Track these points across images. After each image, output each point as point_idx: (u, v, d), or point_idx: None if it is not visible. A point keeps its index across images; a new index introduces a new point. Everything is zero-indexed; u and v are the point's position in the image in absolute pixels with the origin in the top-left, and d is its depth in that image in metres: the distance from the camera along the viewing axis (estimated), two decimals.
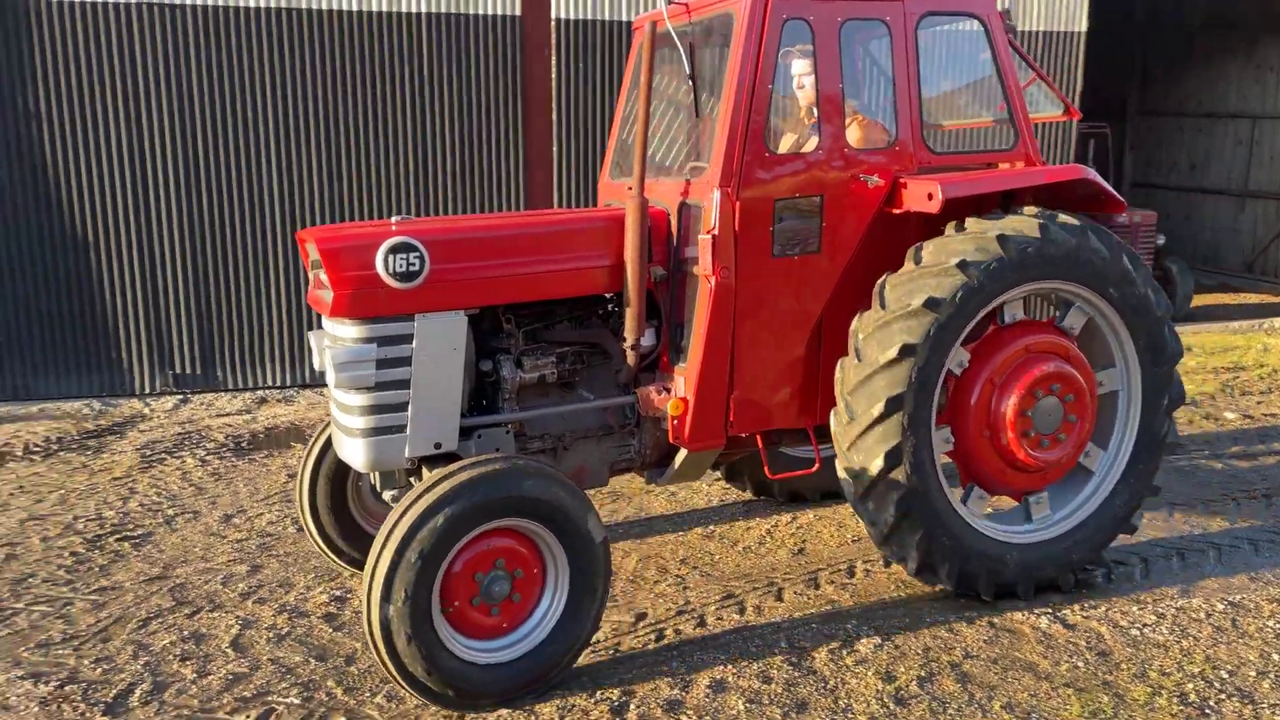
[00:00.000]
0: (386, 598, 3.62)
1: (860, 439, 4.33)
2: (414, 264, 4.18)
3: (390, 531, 3.67)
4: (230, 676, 4.16)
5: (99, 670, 4.21)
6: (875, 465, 4.30)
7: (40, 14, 7.88)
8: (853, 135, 4.74)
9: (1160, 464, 4.95)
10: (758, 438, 4.81)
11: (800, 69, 4.88)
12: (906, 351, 4.23)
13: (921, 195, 4.43)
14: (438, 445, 4.29)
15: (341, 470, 4.82)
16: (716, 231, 4.35)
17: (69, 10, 7.95)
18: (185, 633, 4.54)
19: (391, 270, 4.13)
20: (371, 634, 3.66)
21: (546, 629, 3.98)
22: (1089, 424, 4.76)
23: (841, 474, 4.47)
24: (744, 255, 4.43)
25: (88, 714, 3.87)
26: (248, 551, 5.41)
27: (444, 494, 3.71)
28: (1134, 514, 4.94)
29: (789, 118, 5.07)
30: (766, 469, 5.01)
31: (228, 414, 8.09)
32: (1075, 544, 4.81)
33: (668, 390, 4.59)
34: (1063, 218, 4.54)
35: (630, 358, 4.59)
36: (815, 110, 4.57)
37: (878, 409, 4.24)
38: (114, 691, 4.05)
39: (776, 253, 4.50)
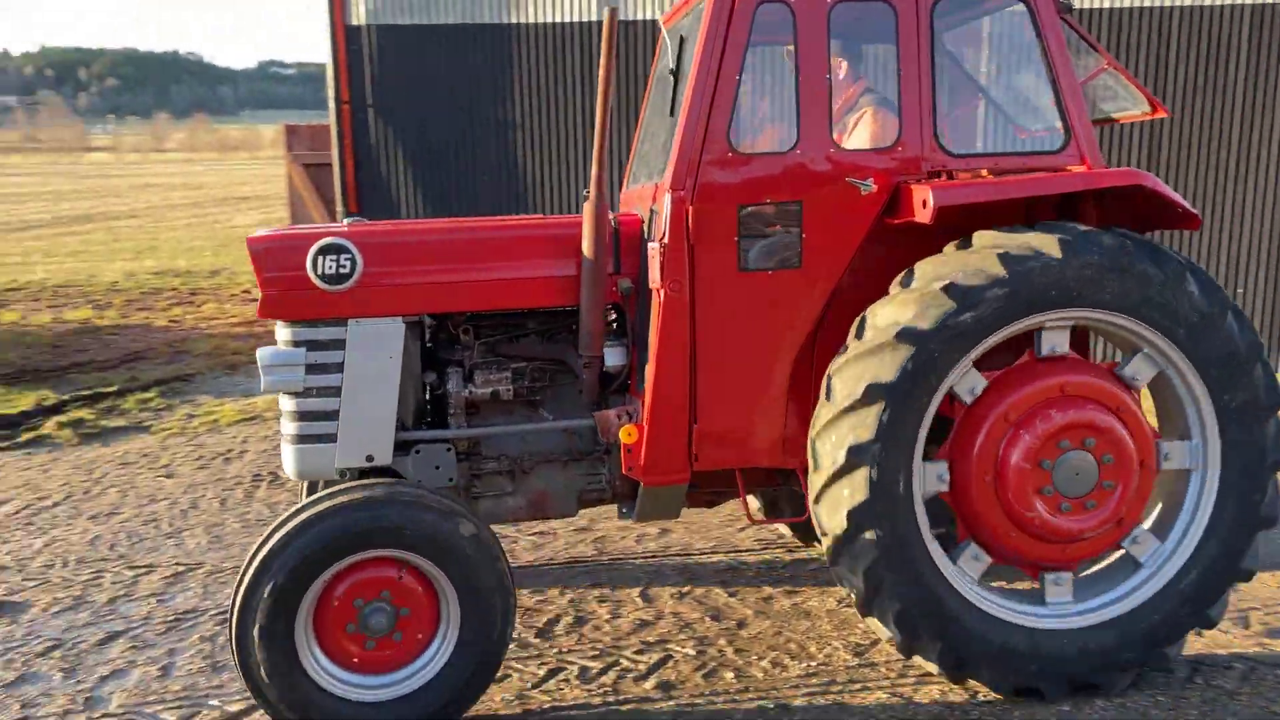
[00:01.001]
0: (244, 620, 3.44)
1: (825, 491, 3.68)
2: (345, 266, 3.93)
3: (251, 557, 3.49)
4: (638, 622, 4.70)
5: (534, 600, 4.95)
6: (841, 522, 3.63)
7: (521, 35, 9.12)
8: (861, 135, 4.15)
9: (1254, 542, 3.86)
10: (737, 476, 4.14)
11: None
12: (873, 393, 3.54)
13: (919, 203, 3.70)
14: (369, 458, 3.97)
15: None
16: (666, 240, 3.82)
17: (542, 31, 9.12)
18: (601, 579, 5.19)
19: (320, 272, 3.91)
20: (231, 651, 3.51)
21: (428, 675, 3.63)
22: (1133, 497, 3.83)
23: (816, 529, 3.79)
24: (703, 268, 3.86)
25: (523, 633, 4.57)
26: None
27: (301, 523, 3.49)
28: (1214, 604, 3.87)
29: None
30: (747, 513, 4.22)
31: None
32: (1119, 638, 3.82)
33: (629, 415, 4.04)
34: (1108, 233, 3.66)
35: (587, 376, 4.13)
36: (846, 107, 3.95)
37: (840, 457, 3.59)
38: (544, 619, 4.74)
39: (745, 266, 3.88)
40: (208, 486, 6.71)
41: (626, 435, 3.96)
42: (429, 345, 4.27)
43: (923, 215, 3.68)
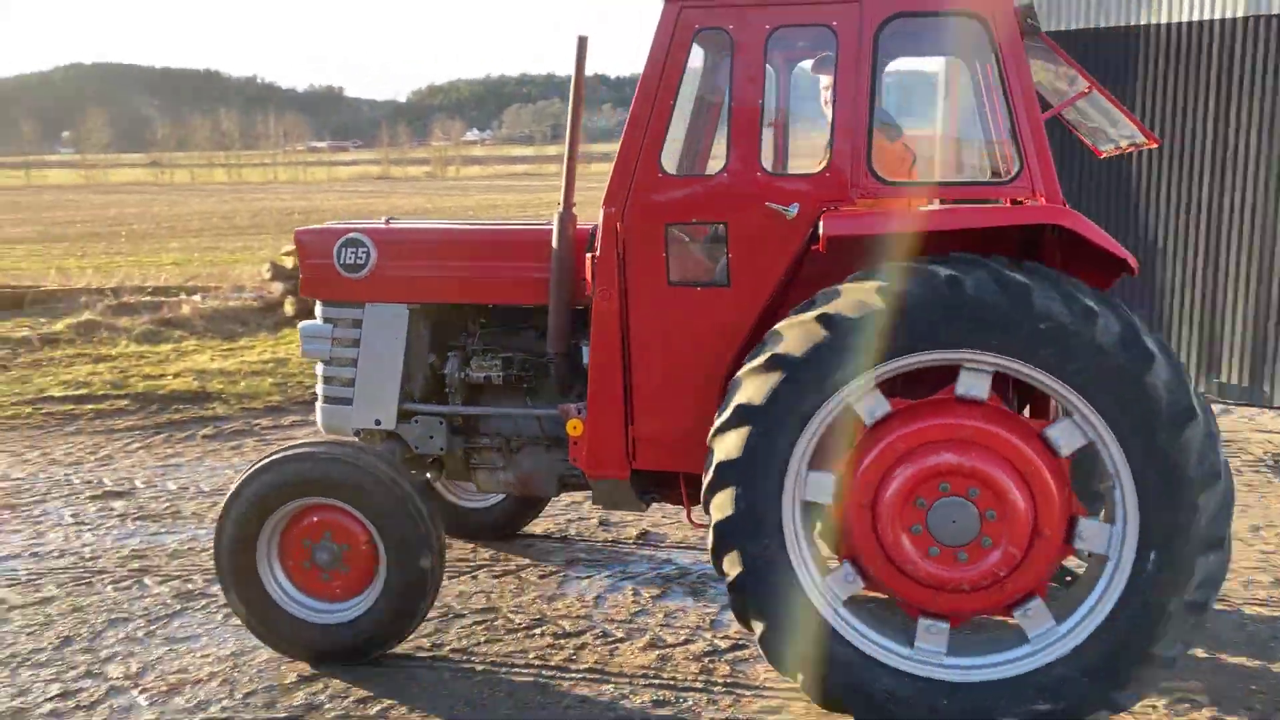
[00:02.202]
0: (217, 549, 4.20)
1: (707, 502, 3.69)
2: (361, 258, 4.61)
3: (225, 500, 4.23)
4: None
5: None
6: (713, 536, 3.66)
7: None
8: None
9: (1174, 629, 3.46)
10: (680, 479, 4.20)
11: (824, 83, 4.19)
12: (741, 413, 3.57)
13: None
14: (377, 421, 4.60)
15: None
16: (598, 252, 4.05)
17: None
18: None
19: (343, 261, 4.62)
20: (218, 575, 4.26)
21: (365, 606, 4.20)
22: (1023, 564, 3.54)
23: None
24: (634, 280, 4.04)
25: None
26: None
27: (251, 472, 4.21)
28: (1129, 681, 3.53)
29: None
30: (688, 515, 4.29)
31: (1270, 430, 7.88)
32: (984, 702, 3.57)
33: (579, 411, 4.23)
34: (1011, 271, 3.42)
35: (554, 370, 4.43)
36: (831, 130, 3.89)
37: (711, 472, 3.63)
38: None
39: (674, 281, 4.01)
40: None
41: (572, 429, 4.20)
42: (438, 331, 4.72)
43: (821, 243, 3.67)
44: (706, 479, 3.67)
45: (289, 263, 13.55)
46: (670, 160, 4.12)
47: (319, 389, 4.74)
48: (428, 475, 4.85)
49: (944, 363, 3.52)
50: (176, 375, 9.79)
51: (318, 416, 4.77)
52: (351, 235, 4.64)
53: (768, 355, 3.55)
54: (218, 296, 14.58)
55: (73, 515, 6.16)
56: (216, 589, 5.04)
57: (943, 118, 4.64)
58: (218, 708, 4.01)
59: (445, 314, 4.71)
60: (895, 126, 4.77)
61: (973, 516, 3.54)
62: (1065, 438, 3.52)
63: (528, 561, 5.43)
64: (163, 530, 5.94)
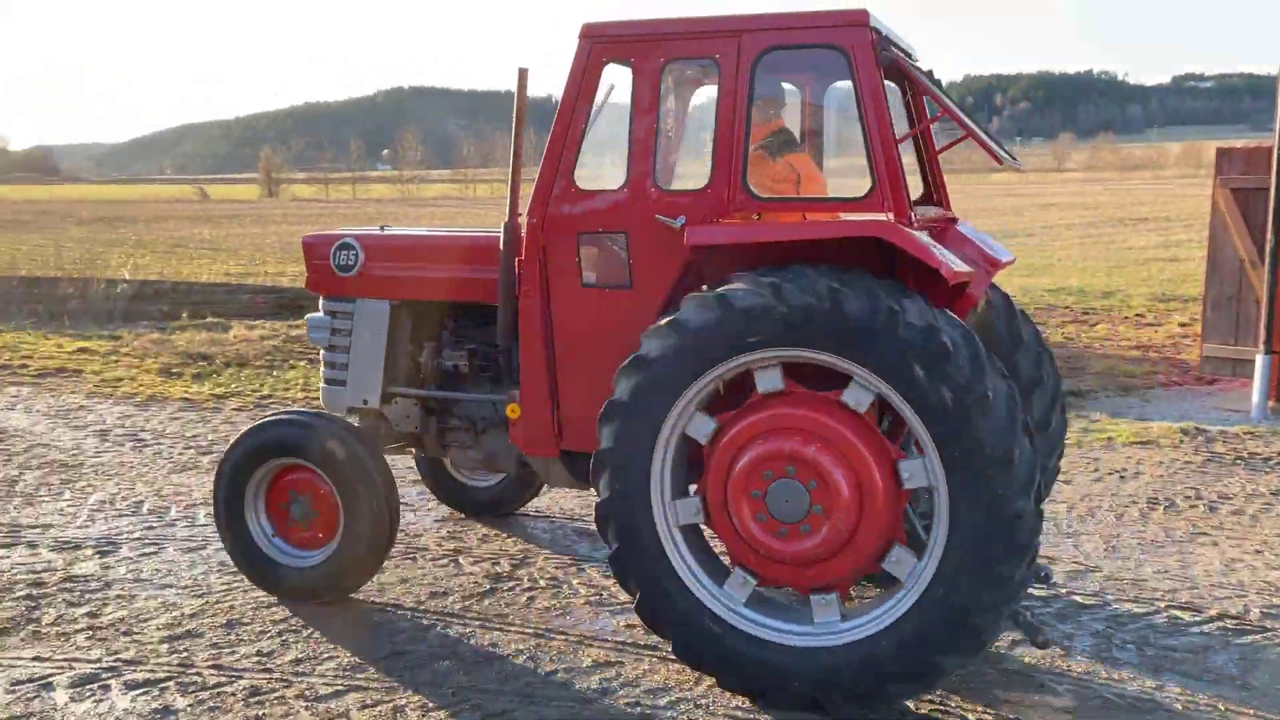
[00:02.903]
0: (215, 498, 5.12)
1: (593, 480, 4.18)
2: (351, 260, 5.41)
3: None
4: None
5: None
6: (596, 512, 4.19)
7: None
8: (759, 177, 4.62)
9: (1016, 559, 3.79)
10: None
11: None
12: (613, 407, 4.07)
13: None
14: (365, 401, 5.36)
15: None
16: (522, 256, 4.61)
17: None
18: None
19: (337, 262, 5.42)
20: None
21: (327, 554, 4.99)
22: (850, 519, 3.92)
23: None
24: (553, 282, 4.60)
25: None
26: None
27: (233, 442, 5.17)
28: (965, 639, 3.84)
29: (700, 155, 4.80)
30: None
31: None
32: (892, 651, 3.89)
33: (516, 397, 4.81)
34: (828, 276, 3.81)
35: (503, 361, 4.99)
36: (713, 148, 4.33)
37: (594, 458, 4.15)
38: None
39: (586, 283, 4.55)
40: (1102, 499, 6.81)
41: (511, 412, 4.81)
42: (415, 324, 5.43)
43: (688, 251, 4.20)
44: (592, 464, 4.17)
45: None
46: (594, 176, 4.65)
47: (322, 371, 5.57)
48: (445, 458, 5.82)
49: (768, 363, 3.96)
50: None
51: (322, 397, 5.57)
52: (345, 240, 5.47)
53: (633, 357, 4.05)
54: None
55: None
56: (524, 572, 5.48)
57: (823, 139, 5.26)
58: (521, 683, 4.34)
59: (422, 309, 5.42)
60: (796, 144, 5.17)
61: (800, 491, 3.95)
62: (858, 398, 3.91)
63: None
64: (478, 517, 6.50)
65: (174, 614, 4.98)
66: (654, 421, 4.07)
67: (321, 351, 5.59)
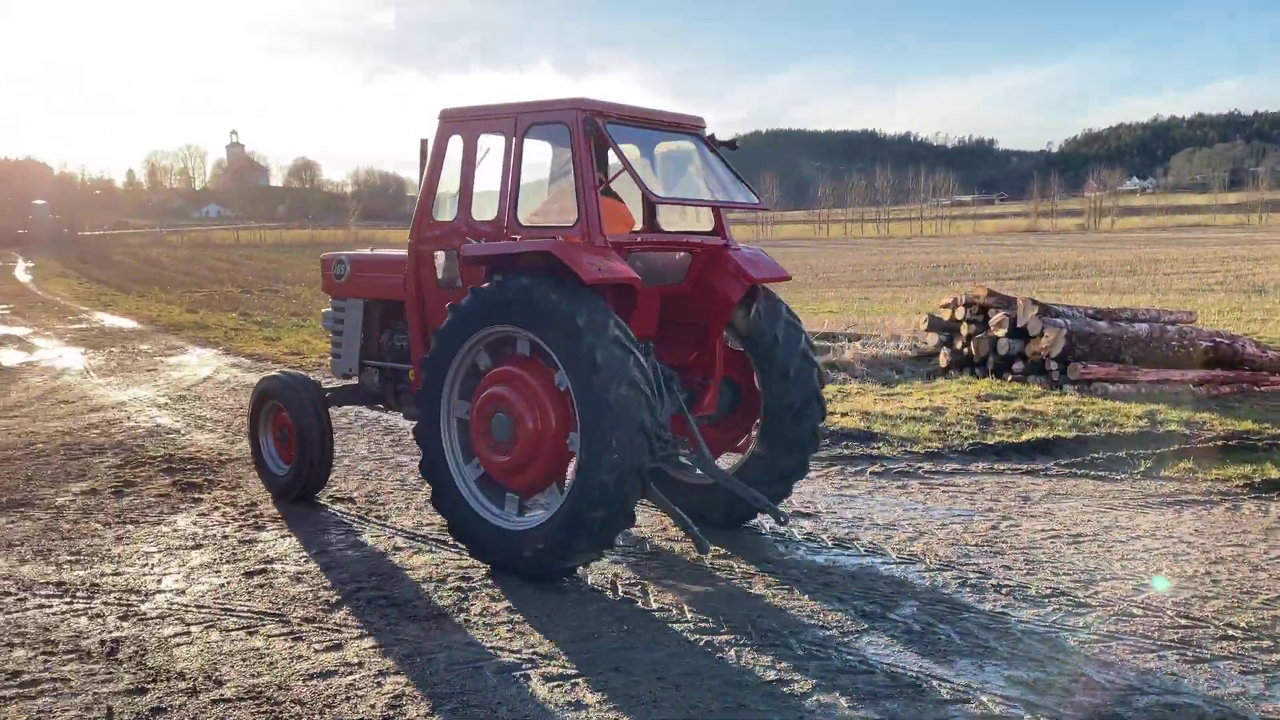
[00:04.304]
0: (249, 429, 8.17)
1: (416, 406, 6.49)
2: (342, 271, 7.98)
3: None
4: None
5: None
6: (415, 437, 6.44)
7: None
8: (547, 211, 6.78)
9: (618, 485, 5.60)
10: None
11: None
12: (424, 361, 6.37)
13: None
14: (350, 370, 7.91)
15: None
16: (407, 267, 7.02)
17: None
18: None
19: (334, 273, 8.05)
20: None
21: (291, 471, 7.82)
22: (534, 441, 5.91)
23: None
24: (423, 284, 6.94)
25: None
26: None
27: (253, 392, 8.16)
28: (589, 533, 5.70)
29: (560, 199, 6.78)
30: None
31: None
32: (549, 538, 5.82)
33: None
34: (528, 278, 5.83)
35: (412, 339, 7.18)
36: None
37: (417, 392, 6.52)
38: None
39: (440, 285, 6.81)
40: None
41: (412, 377, 7.05)
42: (381, 316, 7.76)
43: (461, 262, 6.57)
44: (415, 396, 6.53)
45: (946, 315, 14.01)
46: (442, 212, 6.95)
47: (330, 349, 8.29)
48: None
49: (504, 334, 6.06)
50: (844, 415, 10.68)
51: (330, 364, 8.55)
52: (340, 257, 8.08)
53: (436, 330, 6.26)
54: (876, 344, 15.57)
55: (770, 529, 7.09)
56: (896, 614, 5.47)
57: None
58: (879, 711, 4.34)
59: (382, 306, 7.70)
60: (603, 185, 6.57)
61: (506, 423, 5.98)
62: (562, 380, 5.80)
63: None
64: (845, 553, 6.57)
65: (580, 616, 5.50)
66: (442, 369, 6.22)
67: (330, 335, 8.20)
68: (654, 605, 5.64)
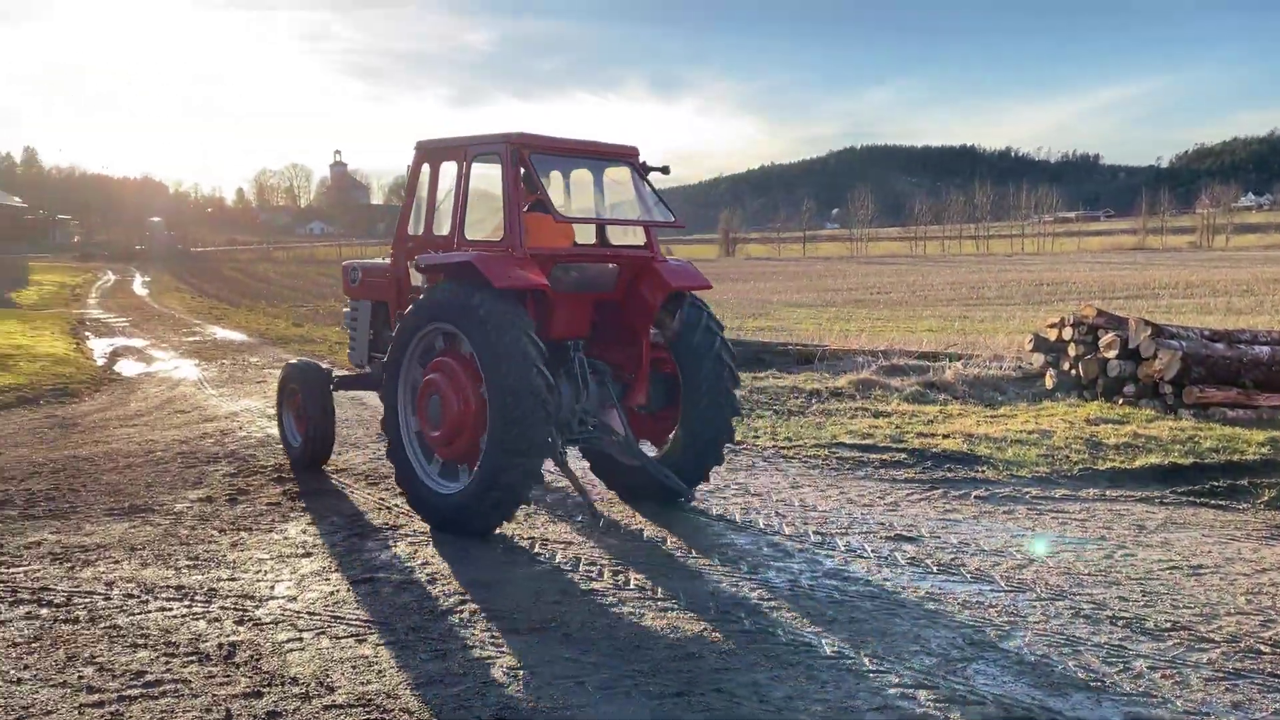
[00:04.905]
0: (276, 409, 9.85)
1: (382, 397, 7.83)
2: (355, 277, 9.48)
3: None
4: None
5: None
6: (383, 421, 7.85)
7: None
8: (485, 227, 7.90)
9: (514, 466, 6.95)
10: None
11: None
12: (387, 358, 7.79)
13: None
14: (361, 361, 9.37)
15: None
16: (390, 275, 8.86)
17: None
18: None
19: (349, 278, 9.56)
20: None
21: (305, 437, 9.40)
22: (457, 420, 7.22)
23: None
24: (402, 289, 8.58)
25: None
26: None
27: (283, 368, 10.02)
28: (498, 499, 7.04)
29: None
30: None
31: None
32: (466, 501, 7.21)
33: None
34: (456, 285, 7.26)
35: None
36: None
37: (382, 384, 7.92)
38: None
39: (414, 289, 8.31)
40: None
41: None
42: (384, 316, 9.03)
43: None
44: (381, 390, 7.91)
45: (1053, 335, 13.62)
46: (415, 227, 8.53)
47: (348, 343, 9.79)
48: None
49: (445, 330, 7.39)
50: (946, 436, 10.45)
51: (348, 357, 10.00)
52: (354, 265, 9.58)
53: (395, 329, 7.78)
54: (978, 364, 15.21)
55: (873, 551, 6.97)
56: (1007, 644, 5.30)
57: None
58: None
59: (385, 306, 8.95)
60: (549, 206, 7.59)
61: (438, 404, 7.30)
62: (462, 347, 7.30)
63: None
64: (951, 579, 6.41)
65: (678, 635, 5.48)
66: (397, 361, 7.61)
67: (348, 331, 9.69)
68: (748, 626, 5.59)
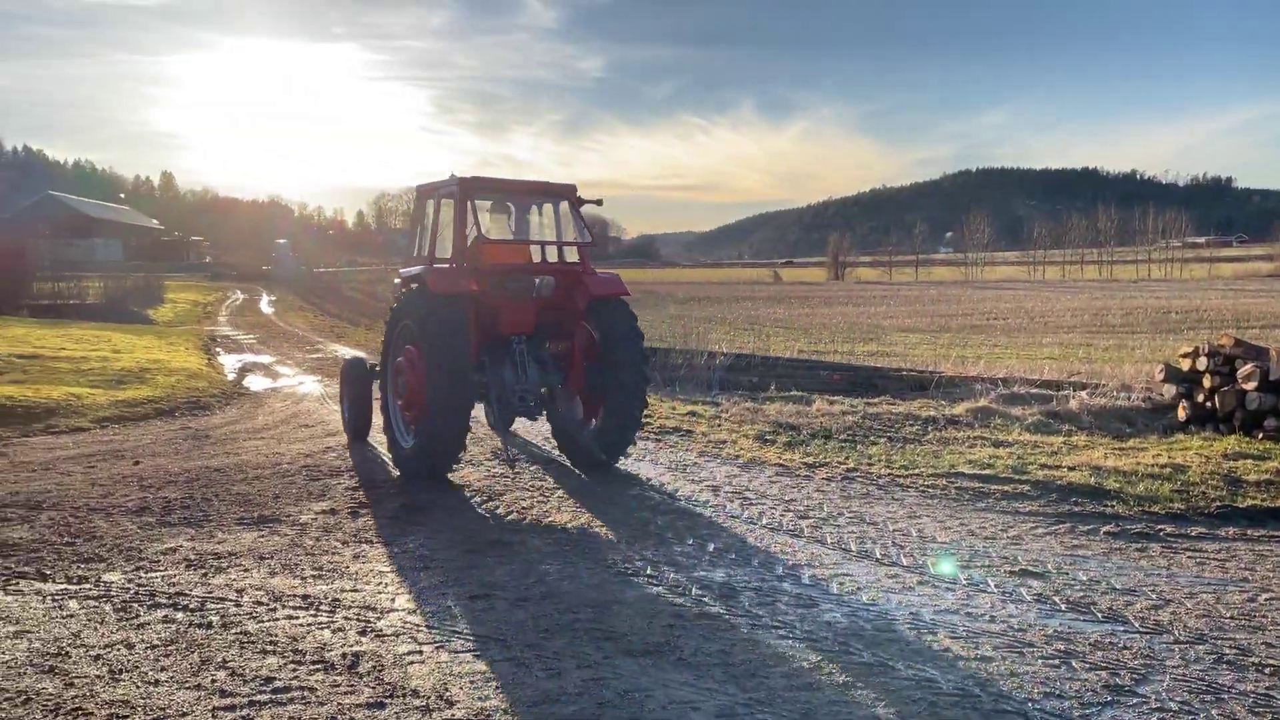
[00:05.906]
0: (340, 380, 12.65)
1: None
2: (400, 286, 11.21)
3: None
4: None
5: None
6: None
7: None
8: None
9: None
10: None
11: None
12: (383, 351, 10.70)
13: None
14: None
15: None
16: (398, 286, 11.14)
17: None
18: None
19: (398, 287, 11.34)
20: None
21: (343, 416, 12.57)
22: (414, 392, 9.72)
23: None
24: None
25: None
26: None
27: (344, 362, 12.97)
28: (431, 459, 9.68)
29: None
30: None
31: None
32: (417, 456, 9.79)
33: None
34: (417, 291, 9.99)
35: None
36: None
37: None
38: None
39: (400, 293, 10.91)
40: None
41: None
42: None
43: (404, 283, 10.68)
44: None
45: (1185, 365, 13.00)
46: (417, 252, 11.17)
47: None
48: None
49: (408, 324, 9.96)
50: (1072, 468, 10.05)
51: None
52: (401, 274, 10.89)
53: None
54: (1104, 394, 14.62)
55: (996, 586, 6.73)
56: (1145, 689, 5.05)
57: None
58: None
59: None
60: (483, 236, 10.31)
61: (404, 384, 9.91)
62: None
63: None
64: (1081, 618, 6.13)
65: (795, 664, 5.39)
66: (386, 347, 10.40)
67: None
68: (867, 659, 5.45)
